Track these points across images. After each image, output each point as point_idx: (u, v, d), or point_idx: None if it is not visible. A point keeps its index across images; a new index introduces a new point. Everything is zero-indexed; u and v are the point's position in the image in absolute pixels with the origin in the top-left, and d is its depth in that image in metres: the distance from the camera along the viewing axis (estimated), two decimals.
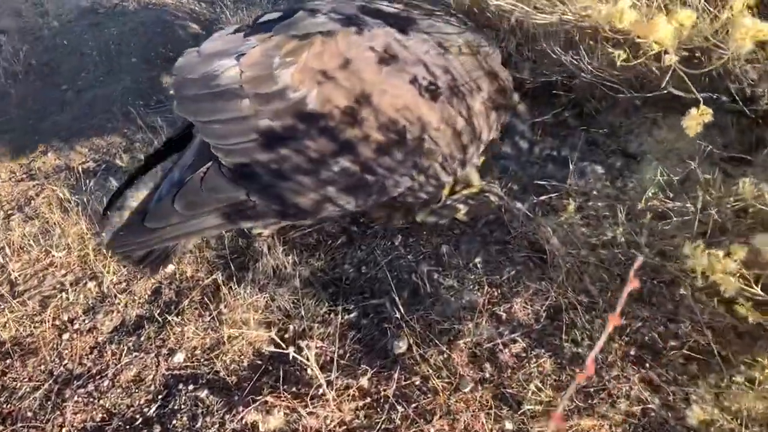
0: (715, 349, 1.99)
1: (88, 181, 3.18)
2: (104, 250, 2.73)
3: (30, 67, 4.40)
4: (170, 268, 2.63)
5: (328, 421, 2.05)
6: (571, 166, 2.58)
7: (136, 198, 2.33)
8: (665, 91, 2.24)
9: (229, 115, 2.01)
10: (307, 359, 2.06)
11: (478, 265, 2.43)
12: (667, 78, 1.86)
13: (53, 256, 2.77)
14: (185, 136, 2.29)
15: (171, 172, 2.26)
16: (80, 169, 3.29)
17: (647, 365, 2.03)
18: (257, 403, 2.08)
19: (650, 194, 2.19)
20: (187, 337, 2.38)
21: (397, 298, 2.27)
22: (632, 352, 2.07)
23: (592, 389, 2.01)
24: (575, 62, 2.22)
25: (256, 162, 2.03)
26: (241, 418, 2.06)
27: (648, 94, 2.23)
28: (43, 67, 4.40)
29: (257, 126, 2.00)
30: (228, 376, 2.24)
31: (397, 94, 2.01)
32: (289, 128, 2.00)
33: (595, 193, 2.57)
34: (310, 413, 2.06)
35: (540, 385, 2.03)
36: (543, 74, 2.94)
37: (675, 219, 2.33)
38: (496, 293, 2.34)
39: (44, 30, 4.76)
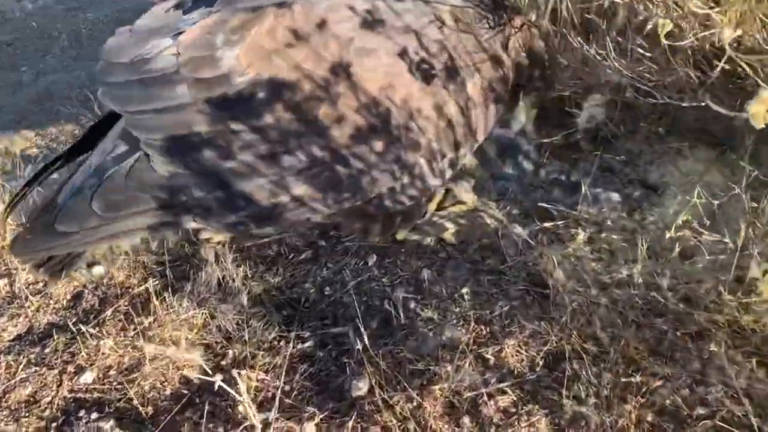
0: (754, 422, 1.57)
1: (24, 168, 2.77)
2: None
3: None
4: (99, 270, 2.20)
5: None
6: (583, 189, 2.19)
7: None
8: (703, 103, 1.88)
9: (163, 104, 1.64)
10: (240, 394, 1.62)
11: (465, 297, 2.01)
12: (717, 68, 1.48)
13: None
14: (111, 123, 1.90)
15: (87, 162, 1.87)
16: (20, 155, 2.88)
17: None
18: None
19: (680, 222, 1.80)
20: (102, 354, 1.94)
21: (362, 328, 1.84)
22: (649, 418, 1.65)
23: None
24: (600, 56, 1.85)
25: (196, 157, 1.65)
26: None
27: (684, 104, 1.86)
28: (6, 47, 4.03)
29: (197, 116, 1.62)
30: (143, 405, 1.79)
31: (381, 68, 1.63)
32: (238, 117, 1.62)
33: (609, 223, 2.18)
34: None
35: None
36: (555, 88, 2.58)
37: (708, 257, 1.94)
38: (484, 331, 1.92)
39: (16, 12, 4.42)
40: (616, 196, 2.27)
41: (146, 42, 1.68)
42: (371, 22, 1.63)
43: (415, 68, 1.65)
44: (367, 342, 1.81)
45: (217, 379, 1.63)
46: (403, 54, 1.64)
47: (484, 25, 1.82)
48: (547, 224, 2.19)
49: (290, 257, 2.25)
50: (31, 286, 2.18)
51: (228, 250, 2.20)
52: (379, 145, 1.66)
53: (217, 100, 1.61)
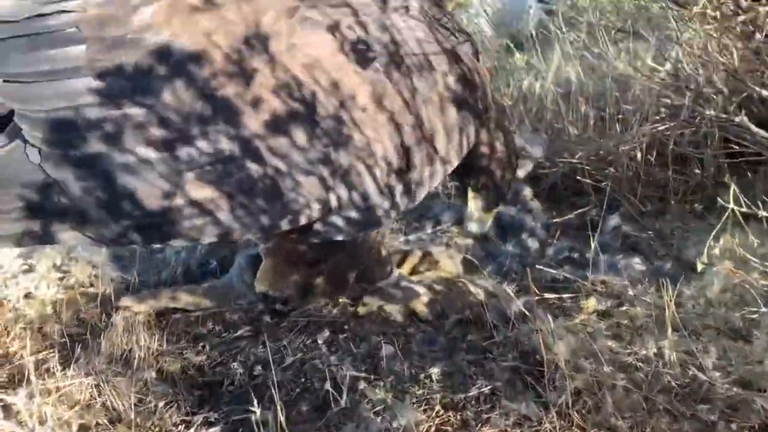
0: None
1: None
2: None
3: None
4: None
5: None
6: (596, 252, 1.72)
7: None
8: (737, 119, 1.46)
9: (50, 67, 1.32)
10: None
11: (434, 377, 1.50)
12: None
13: None
14: None
15: None
16: None
17: None
18: None
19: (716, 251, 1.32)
20: None
21: (281, 410, 1.33)
22: None
23: None
24: None
25: (77, 139, 1.30)
26: None
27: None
28: None
29: (89, 82, 1.31)
30: None
31: (308, 44, 1.31)
32: (138, 85, 1.30)
33: (631, 293, 1.67)
34: None
35: None
36: (563, 157, 2.20)
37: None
38: (453, 418, 1.38)
39: None
40: (640, 266, 1.78)
41: (50, 4, 1.40)
42: None
43: (350, 47, 1.33)
44: (284, 425, 1.30)
45: None
46: (334, 29, 1.33)
47: (446, 27, 1.53)
48: (549, 295, 1.70)
49: (224, 335, 1.79)
50: None
51: (149, 323, 1.78)
52: (301, 137, 1.29)
53: (114, 67, 1.30)
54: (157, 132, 1.28)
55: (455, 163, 1.52)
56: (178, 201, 1.31)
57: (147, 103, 1.28)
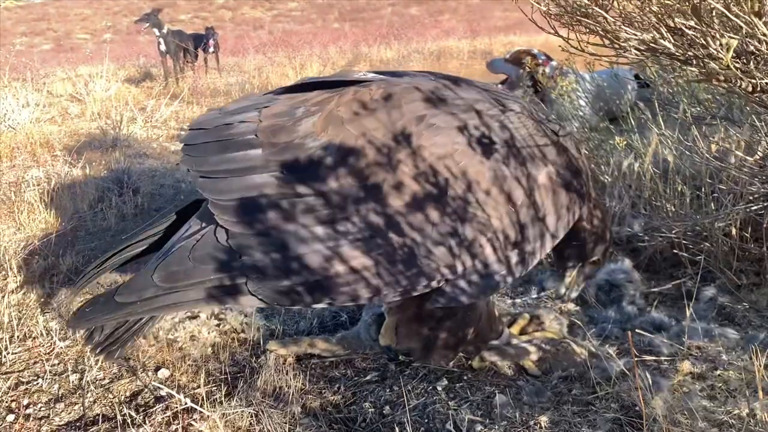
0: None
1: None
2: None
3: None
4: (164, 373, 2.15)
5: None
6: (691, 322, 1.89)
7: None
8: None
9: (236, 166, 1.70)
10: None
11: (543, 424, 1.71)
12: None
13: (57, 345, 2.41)
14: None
15: (163, 247, 1.88)
16: None
17: None
18: None
19: None
20: None
21: None
22: None
23: None
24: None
25: (260, 218, 1.66)
26: None
27: None
28: None
29: (267, 176, 1.67)
30: None
31: (441, 139, 1.62)
32: (304, 177, 1.65)
33: (725, 358, 1.83)
34: None
35: None
36: (661, 231, 2.38)
37: None
38: None
39: None
40: (734, 335, 1.93)
41: (232, 115, 1.80)
42: (435, 100, 1.68)
43: (475, 142, 1.63)
44: None
45: None
46: (463, 128, 1.64)
47: (553, 122, 1.82)
48: (647, 357, 1.88)
49: (355, 378, 2.07)
50: (97, 381, 2.15)
51: (293, 363, 2.09)
52: (434, 215, 1.59)
53: (287, 164, 1.65)
54: (321, 211, 1.62)
55: (561, 236, 1.77)
56: (338, 266, 1.62)
57: (312, 190, 1.62)
